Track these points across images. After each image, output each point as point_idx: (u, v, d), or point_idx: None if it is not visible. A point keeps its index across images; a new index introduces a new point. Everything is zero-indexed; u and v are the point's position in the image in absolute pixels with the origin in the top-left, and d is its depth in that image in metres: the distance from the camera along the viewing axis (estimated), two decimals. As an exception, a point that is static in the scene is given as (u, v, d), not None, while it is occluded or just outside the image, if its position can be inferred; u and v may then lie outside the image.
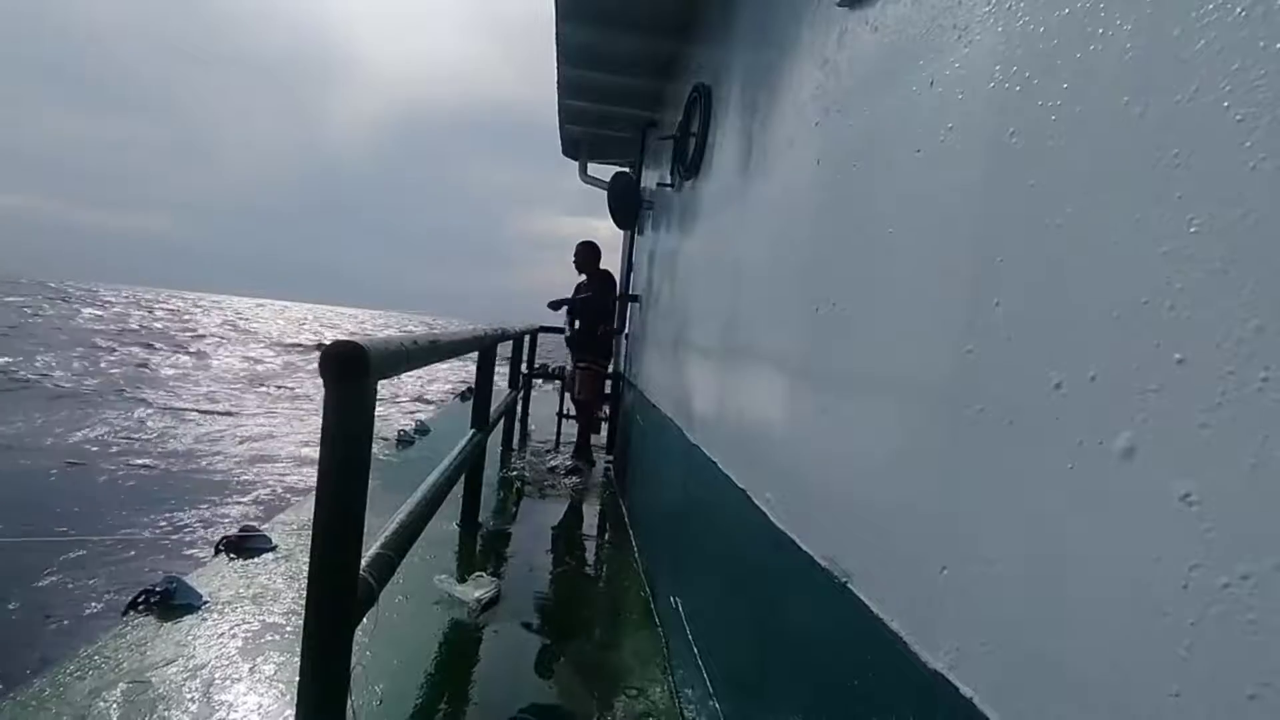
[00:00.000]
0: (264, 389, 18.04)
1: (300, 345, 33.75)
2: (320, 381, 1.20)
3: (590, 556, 3.71)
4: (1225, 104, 0.54)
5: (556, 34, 3.99)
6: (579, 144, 6.38)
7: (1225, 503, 0.51)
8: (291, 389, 18.20)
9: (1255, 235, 0.50)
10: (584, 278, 5.70)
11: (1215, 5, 0.55)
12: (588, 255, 5.66)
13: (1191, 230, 0.56)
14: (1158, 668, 0.54)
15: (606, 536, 4.04)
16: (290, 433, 12.30)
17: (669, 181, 3.83)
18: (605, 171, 6.11)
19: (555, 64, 4.45)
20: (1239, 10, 0.53)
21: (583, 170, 6.54)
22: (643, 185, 5.46)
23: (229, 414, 13.76)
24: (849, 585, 1.07)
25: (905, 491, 0.97)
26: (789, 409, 1.51)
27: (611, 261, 5.93)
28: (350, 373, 1.21)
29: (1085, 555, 0.63)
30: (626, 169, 6.16)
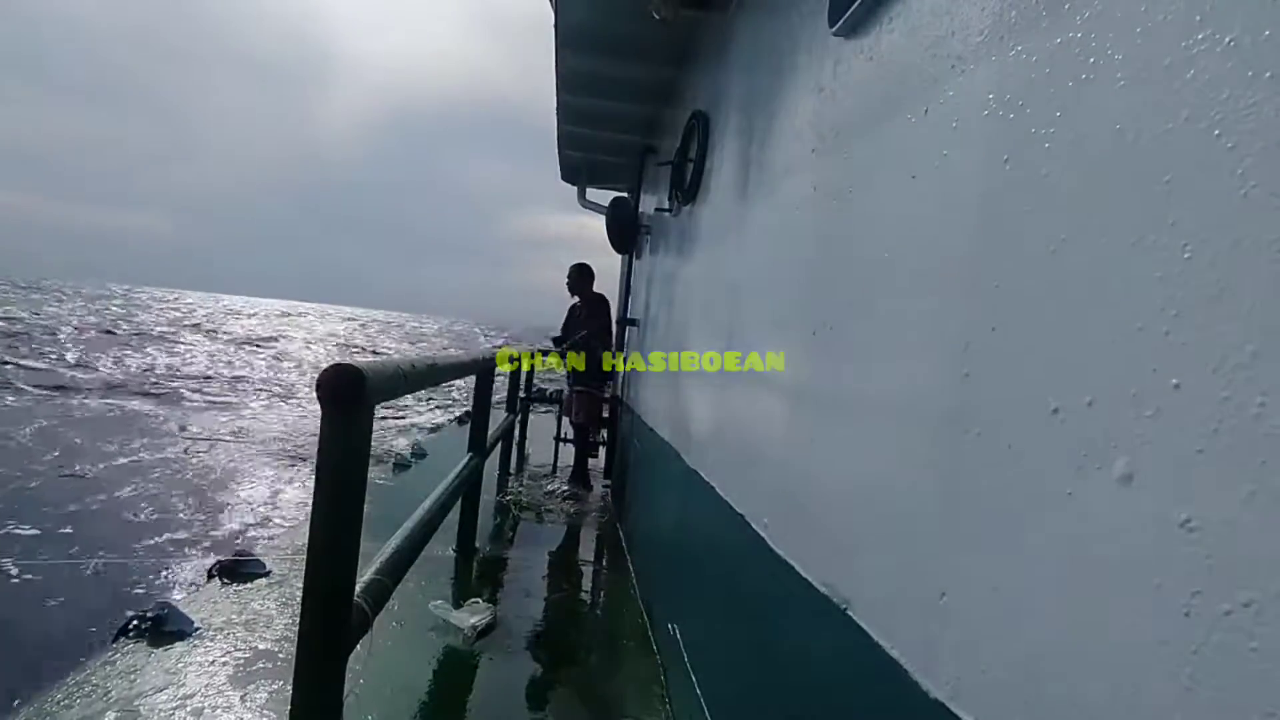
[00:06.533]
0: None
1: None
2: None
3: (587, 583, 3.67)
4: (1216, 131, 0.54)
5: (556, 62, 4.05)
6: (578, 169, 6.44)
7: (1225, 528, 0.50)
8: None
9: (1249, 260, 0.51)
10: (577, 300, 5.68)
11: (1205, 35, 0.56)
12: (580, 279, 5.63)
13: (1186, 256, 0.56)
14: (1161, 697, 0.53)
15: (604, 562, 4.00)
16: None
17: (667, 207, 3.86)
18: (604, 196, 6.16)
19: (555, 91, 4.51)
20: (1228, 40, 0.54)
21: (581, 195, 6.60)
22: (641, 210, 5.50)
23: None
24: (848, 612, 1.05)
25: (903, 516, 0.96)
26: (787, 434, 1.51)
27: (609, 282, 5.93)
28: (348, 396, 1.21)
29: (1084, 581, 0.62)
30: (625, 194, 6.21)
